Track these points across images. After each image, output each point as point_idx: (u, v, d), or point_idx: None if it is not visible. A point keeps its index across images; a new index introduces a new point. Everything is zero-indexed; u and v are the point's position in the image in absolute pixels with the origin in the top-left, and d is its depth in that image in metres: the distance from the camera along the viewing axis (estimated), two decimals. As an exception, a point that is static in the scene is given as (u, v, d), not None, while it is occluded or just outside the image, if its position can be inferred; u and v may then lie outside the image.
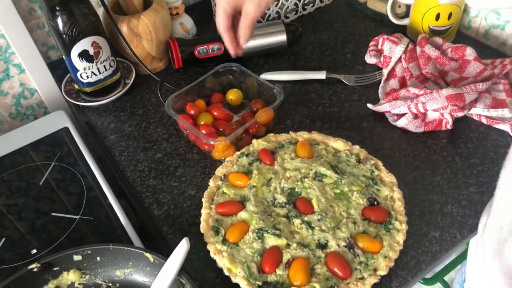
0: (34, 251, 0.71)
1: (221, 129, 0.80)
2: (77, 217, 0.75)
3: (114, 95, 0.91)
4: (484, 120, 0.79)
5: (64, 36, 0.80)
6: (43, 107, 1.03)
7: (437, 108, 0.76)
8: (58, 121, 0.92)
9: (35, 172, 0.83)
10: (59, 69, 0.98)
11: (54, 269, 0.63)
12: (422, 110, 0.78)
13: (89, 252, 0.64)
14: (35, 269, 0.62)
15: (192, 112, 0.82)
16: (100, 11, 0.86)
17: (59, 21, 0.78)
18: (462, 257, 0.80)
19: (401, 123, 0.79)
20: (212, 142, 0.74)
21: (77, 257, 0.64)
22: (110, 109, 0.91)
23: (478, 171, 0.73)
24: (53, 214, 0.76)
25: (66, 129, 0.90)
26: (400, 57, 0.88)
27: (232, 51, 0.76)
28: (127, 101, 0.92)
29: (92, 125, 0.89)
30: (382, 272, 0.59)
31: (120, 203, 0.77)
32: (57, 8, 0.77)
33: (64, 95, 0.92)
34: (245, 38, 0.74)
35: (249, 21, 0.71)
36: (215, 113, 0.83)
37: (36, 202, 0.78)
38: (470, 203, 0.69)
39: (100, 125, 0.88)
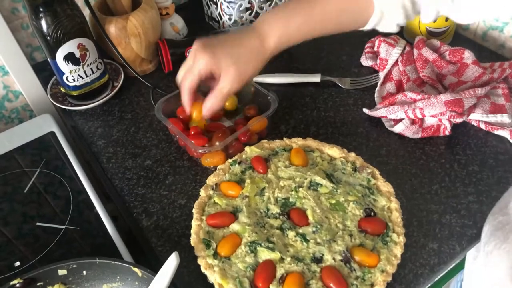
0: (18, 263, 0.69)
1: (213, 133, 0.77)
2: (63, 227, 0.73)
3: (102, 98, 0.88)
4: (483, 126, 0.77)
5: (48, 38, 0.77)
6: (28, 110, 1.00)
7: (435, 114, 0.74)
8: (44, 125, 0.89)
9: (20, 178, 0.80)
10: (45, 71, 0.95)
11: (38, 284, 0.61)
12: (419, 116, 0.75)
13: (74, 266, 0.61)
14: (17, 285, 0.60)
15: (182, 116, 0.79)
16: (86, 11, 0.82)
17: (43, 22, 0.75)
18: (457, 269, 0.79)
19: (398, 128, 0.77)
20: (200, 151, 0.72)
21: (62, 272, 0.61)
22: (98, 113, 0.88)
23: (477, 179, 0.71)
24: (38, 224, 0.74)
25: (52, 134, 0.88)
26: (397, 59, 0.86)
27: (186, 110, 0.70)
28: (115, 104, 0.89)
29: (79, 129, 0.86)
30: (380, 287, 0.57)
31: (108, 209, 0.74)
32: (41, 9, 0.74)
33: (50, 99, 0.89)
34: (210, 110, 0.67)
35: (222, 95, 0.66)
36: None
37: (20, 211, 0.75)
38: (469, 212, 0.67)
39: (88, 129, 0.85)
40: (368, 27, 0.67)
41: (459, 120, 0.75)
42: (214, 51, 0.64)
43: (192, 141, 0.72)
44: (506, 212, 0.62)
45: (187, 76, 0.66)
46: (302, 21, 0.65)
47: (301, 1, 0.66)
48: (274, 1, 0.99)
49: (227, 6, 0.95)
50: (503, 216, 0.62)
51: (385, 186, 0.67)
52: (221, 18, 1.00)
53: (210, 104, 0.67)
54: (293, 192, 0.66)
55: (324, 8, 0.65)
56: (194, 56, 0.65)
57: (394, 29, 0.68)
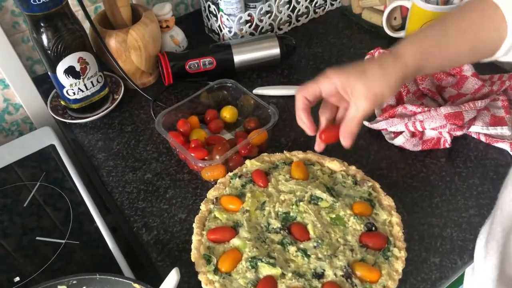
0: (17, 278, 0.68)
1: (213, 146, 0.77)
2: (63, 241, 0.73)
3: (102, 111, 0.88)
4: (483, 138, 0.77)
5: (49, 52, 0.77)
6: (28, 122, 1.00)
7: (435, 126, 0.74)
8: (45, 138, 0.89)
9: (20, 191, 0.80)
10: (45, 84, 0.95)
11: (38, 300, 0.61)
12: (420, 129, 0.75)
13: (74, 282, 0.61)
14: (17, 301, 0.59)
15: (182, 130, 0.79)
16: (87, 25, 0.83)
17: (44, 37, 0.75)
18: (457, 283, 0.79)
19: (398, 141, 0.77)
20: (200, 164, 0.71)
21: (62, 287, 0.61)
22: (98, 125, 0.88)
23: (478, 192, 0.71)
24: (38, 238, 0.73)
25: (52, 146, 0.88)
26: (397, 72, 0.86)
27: (310, 131, 0.63)
28: (115, 117, 0.89)
29: (79, 142, 0.86)
30: (381, 303, 0.56)
31: (108, 223, 0.74)
32: (42, 24, 0.74)
33: (50, 112, 0.89)
34: (349, 138, 0.60)
35: (359, 119, 0.59)
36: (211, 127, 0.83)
37: (20, 225, 0.75)
38: (471, 226, 0.67)
39: (88, 143, 0.85)
40: (502, 50, 0.61)
41: (459, 133, 0.75)
42: (348, 72, 0.59)
43: (192, 154, 0.72)
44: (492, 228, 0.62)
45: (307, 85, 0.61)
46: (437, 37, 0.60)
47: (433, 23, 0.63)
48: (273, 13, 1.00)
49: (227, 19, 0.96)
50: (488, 232, 0.62)
51: (386, 200, 0.67)
52: (221, 31, 1.00)
53: (348, 129, 0.60)
54: (293, 206, 0.66)
55: (458, 26, 0.61)
56: (326, 76, 0.60)
57: None
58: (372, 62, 0.60)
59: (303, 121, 0.64)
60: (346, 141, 0.61)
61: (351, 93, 0.58)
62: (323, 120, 0.64)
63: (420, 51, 0.60)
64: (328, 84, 0.60)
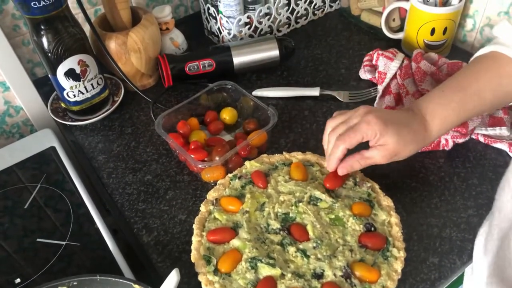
0: (18, 280, 0.69)
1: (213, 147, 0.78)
2: (64, 243, 0.73)
3: (102, 113, 0.89)
4: (481, 139, 0.77)
5: (49, 54, 0.77)
6: (29, 125, 1.00)
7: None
8: (45, 140, 0.90)
9: (20, 193, 0.80)
10: (46, 86, 0.95)
11: (38, 301, 0.61)
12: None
13: (75, 283, 0.61)
14: (18, 303, 0.60)
15: (182, 131, 0.79)
16: (87, 27, 0.83)
17: (44, 40, 0.76)
18: (457, 283, 0.79)
19: (397, 142, 0.77)
20: (200, 166, 0.72)
21: (62, 289, 0.61)
22: (98, 128, 0.88)
23: (477, 192, 0.72)
24: (38, 240, 0.74)
25: (53, 148, 0.88)
26: (395, 73, 0.86)
27: (332, 167, 0.65)
28: (115, 119, 0.90)
29: (80, 144, 0.86)
30: (381, 303, 0.57)
31: (108, 224, 0.74)
32: (42, 27, 0.75)
33: (51, 114, 0.89)
34: (348, 171, 0.65)
35: (366, 163, 0.64)
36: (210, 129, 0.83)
37: (21, 227, 0.75)
38: (469, 226, 0.67)
39: (88, 145, 0.85)
40: None
41: (461, 140, 0.75)
42: (385, 119, 0.61)
43: (192, 156, 0.73)
44: (491, 228, 0.62)
45: (349, 135, 0.61)
46: (458, 108, 0.64)
47: (454, 87, 0.66)
48: (273, 15, 1.00)
49: (226, 21, 0.96)
50: (487, 232, 0.63)
51: (385, 200, 0.67)
52: (220, 33, 1.00)
53: (350, 167, 0.64)
54: (293, 207, 0.66)
55: (477, 89, 0.64)
56: (362, 117, 0.61)
57: None
58: (408, 126, 0.62)
59: (332, 167, 0.65)
60: (343, 172, 0.65)
61: (380, 142, 0.61)
62: (344, 149, 0.63)
63: (445, 124, 0.64)
64: (371, 132, 0.61)
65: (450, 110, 0.64)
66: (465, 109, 0.64)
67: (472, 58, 0.71)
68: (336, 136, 0.63)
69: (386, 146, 0.61)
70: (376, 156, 0.62)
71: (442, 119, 0.64)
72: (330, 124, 0.66)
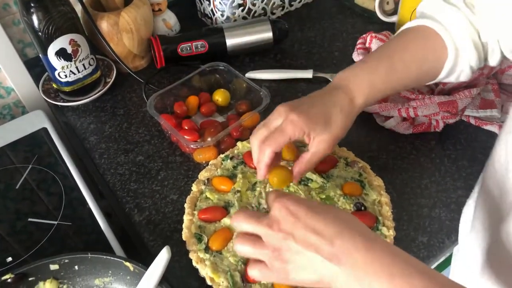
0: (10, 259, 0.69)
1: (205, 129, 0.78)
2: (55, 222, 0.73)
3: (94, 94, 0.88)
4: (472, 121, 0.78)
5: (40, 33, 0.76)
6: (20, 106, 1.00)
7: (428, 114, 0.75)
8: (37, 121, 0.89)
9: (11, 175, 0.80)
10: (37, 67, 0.94)
11: (30, 279, 0.61)
12: (412, 115, 0.76)
13: (66, 261, 0.61)
14: (9, 280, 0.60)
15: (179, 111, 0.79)
16: (78, 7, 0.82)
17: (34, 18, 0.75)
18: (445, 264, 0.80)
19: (389, 124, 0.78)
20: (192, 146, 0.72)
21: (53, 266, 0.61)
22: (90, 109, 0.88)
23: (467, 173, 0.72)
24: (30, 219, 0.73)
25: (44, 130, 0.87)
26: (388, 55, 0.86)
27: (261, 176, 0.61)
28: (107, 100, 0.89)
29: (72, 125, 0.86)
30: (369, 280, 0.57)
31: (100, 205, 0.74)
32: (32, 5, 0.74)
33: (42, 95, 0.89)
34: (301, 174, 0.62)
35: (315, 161, 0.61)
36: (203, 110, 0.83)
37: (12, 208, 0.75)
38: (459, 207, 0.68)
39: (80, 126, 0.85)
40: (443, 73, 0.64)
41: (452, 120, 0.76)
42: (308, 113, 0.58)
43: (184, 137, 0.73)
44: (476, 204, 0.63)
45: (274, 137, 0.57)
46: (384, 75, 0.62)
47: (379, 55, 0.64)
48: (266, -3, 0.99)
49: (220, 3, 0.96)
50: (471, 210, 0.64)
51: (376, 181, 0.67)
52: (213, 15, 1.00)
53: (302, 170, 0.61)
54: (284, 187, 0.66)
55: (403, 59, 0.63)
56: (285, 118, 0.58)
57: (467, 75, 0.65)
58: (332, 106, 0.60)
59: (262, 174, 0.61)
60: (298, 179, 0.63)
61: (314, 138, 0.58)
62: (270, 153, 0.58)
63: (371, 92, 0.62)
64: (298, 131, 0.57)
65: (376, 76, 0.62)
66: (391, 78, 0.62)
67: (399, 31, 0.68)
68: (257, 140, 0.59)
69: (322, 138, 0.58)
70: (318, 151, 0.60)
71: (370, 86, 0.61)
72: (257, 137, 0.60)
